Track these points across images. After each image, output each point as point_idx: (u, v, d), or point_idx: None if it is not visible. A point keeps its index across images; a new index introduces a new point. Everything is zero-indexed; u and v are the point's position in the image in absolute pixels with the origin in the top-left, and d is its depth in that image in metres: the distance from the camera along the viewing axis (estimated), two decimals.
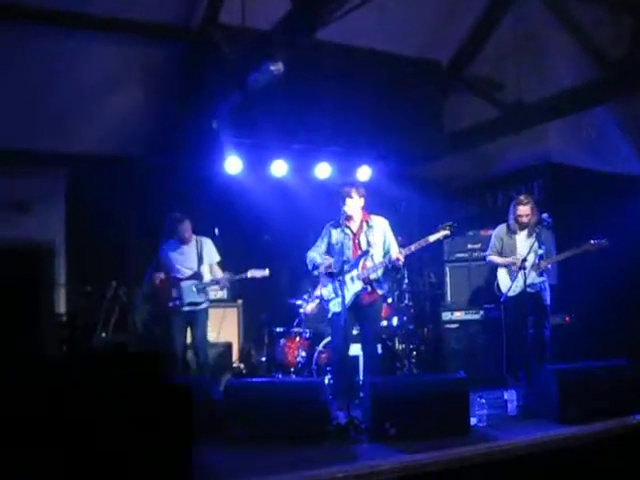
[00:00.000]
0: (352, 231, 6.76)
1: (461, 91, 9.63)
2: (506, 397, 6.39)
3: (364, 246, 6.64)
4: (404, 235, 8.09)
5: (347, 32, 7.88)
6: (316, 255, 6.86)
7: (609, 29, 7.54)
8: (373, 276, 6.65)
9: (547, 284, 7.31)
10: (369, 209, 6.96)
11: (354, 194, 6.68)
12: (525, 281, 6.94)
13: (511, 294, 7.25)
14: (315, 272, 6.92)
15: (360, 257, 6.58)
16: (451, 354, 8.69)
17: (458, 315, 8.77)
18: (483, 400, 5.98)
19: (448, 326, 8.81)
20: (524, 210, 7.36)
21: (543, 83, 8.30)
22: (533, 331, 7.23)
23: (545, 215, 7.10)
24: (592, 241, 7.03)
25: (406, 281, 8.89)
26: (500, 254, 7.50)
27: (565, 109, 8.13)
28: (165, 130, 8.86)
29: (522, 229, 7.42)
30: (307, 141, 8.91)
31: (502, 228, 7.58)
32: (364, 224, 6.73)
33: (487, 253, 7.69)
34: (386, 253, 6.70)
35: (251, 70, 6.69)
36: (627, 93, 7.78)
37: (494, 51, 8.89)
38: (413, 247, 6.51)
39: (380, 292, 6.76)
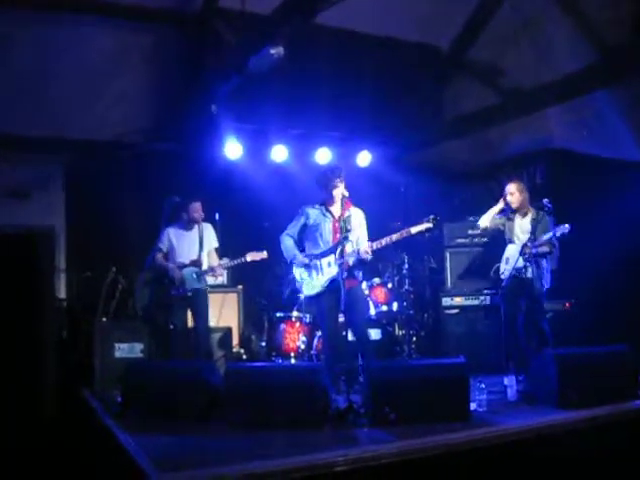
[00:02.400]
0: (333, 215, 6.75)
1: (461, 76, 9.60)
2: (506, 382, 6.40)
3: (344, 231, 6.57)
4: (403, 221, 8.08)
5: (347, 16, 7.85)
6: (297, 252, 6.84)
7: (609, 13, 7.50)
8: (351, 261, 6.61)
9: (543, 271, 7.22)
10: (368, 195, 6.96)
11: (342, 182, 6.69)
12: (516, 266, 7.03)
13: (502, 277, 7.34)
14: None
15: (339, 242, 6.50)
16: (451, 339, 8.70)
17: (458, 301, 8.78)
18: (483, 385, 5.99)
19: (448, 311, 8.82)
20: (508, 188, 7.42)
21: (543, 68, 8.27)
22: (531, 318, 7.25)
23: (546, 200, 7.10)
24: (556, 227, 6.99)
25: (406, 266, 8.89)
26: (505, 235, 7.54)
27: (566, 94, 8.11)
28: (164, 116, 8.85)
29: (515, 211, 7.43)
30: (307, 126, 8.91)
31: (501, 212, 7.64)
32: (345, 211, 6.71)
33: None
34: (357, 245, 6.70)
35: (251, 54, 6.68)
36: (628, 77, 7.74)
37: (494, 36, 8.83)
38: (394, 237, 6.53)
39: (356, 276, 6.72)
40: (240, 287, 9.35)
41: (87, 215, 9.08)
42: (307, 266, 6.75)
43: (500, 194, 7.59)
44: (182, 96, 8.53)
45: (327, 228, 6.73)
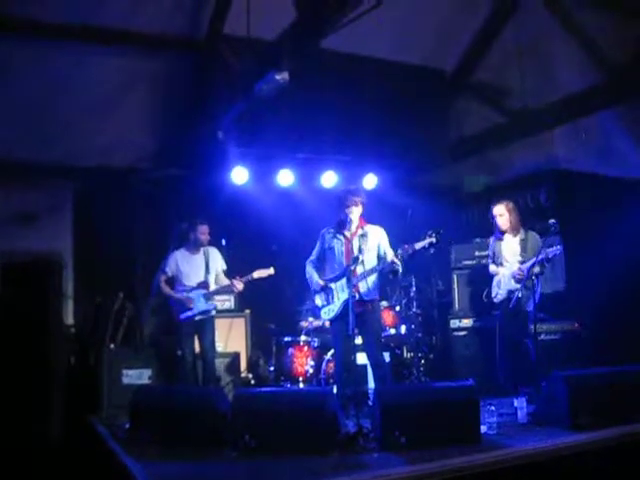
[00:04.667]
0: (345, 237, 6.74)
1: (466, 98, 9.64)
2: (516, 404, 6.34)
3: (356, 251, 6.58)
4: (410, 243, 8.05)
5: (352, 41, 7.90)
6: (315, 279, 6.85)
7: (613, 33, 7.53)
8: (362, 285, 6.59)
9: (534, 292, 7.04)
10: (375, 217, 6.95)
11: (360, 203, 6.68)
12: (509, 288, 7.04)
13: (496, 301, 7.34)
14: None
15: (350, 264, 6.49)
16: (460, 361, 8.66)
17: (466, 322, 8.75)
18: (493, 407, 5.94)
19: (456, 333, 8.79)
20: (497, 210, 7.36)
21: (548, 88, 8.29)
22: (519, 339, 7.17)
23: (552, 221, 7.07)
24: (548, 249, 6.91)
25: (414, 289, 8.87)
26: (494, 262, 7.50)
27: (571, 114, 8.13)
28: (171, 141, 8.89)
29: (503, 233, 7.39)
30: (313, 150, 8.93)
31: (492, 236, 7.60)
32: (358, 231, 6.71)
33: (489, 262, 7.67)
34: (380, 261, 6.66)
35: (257, 80, 6.70)
36: (632, 97, 7.76)
37: (499, 58, 8.89)
38: (400, 252, 6.52)
39: (367, 299, 6.66)
40: (248, 311, 9.34)
41: (95, 241, 9.09)
42: (325, 291, 6.74)
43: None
44: (189, 122, 8.56)
45: (340, 251, 6.72)
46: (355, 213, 6.64)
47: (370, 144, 8.99)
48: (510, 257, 7.28)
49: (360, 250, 6.54)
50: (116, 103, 8.36)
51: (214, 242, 8.08)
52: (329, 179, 9.49)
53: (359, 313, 6.41)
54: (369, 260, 6.62)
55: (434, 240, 6.51)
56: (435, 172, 10.28)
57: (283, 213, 9.26)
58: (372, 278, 6.62)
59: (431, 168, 10.17)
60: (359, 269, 6.54)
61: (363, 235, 6.65)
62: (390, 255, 6.60)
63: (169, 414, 5.91)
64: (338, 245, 6.72)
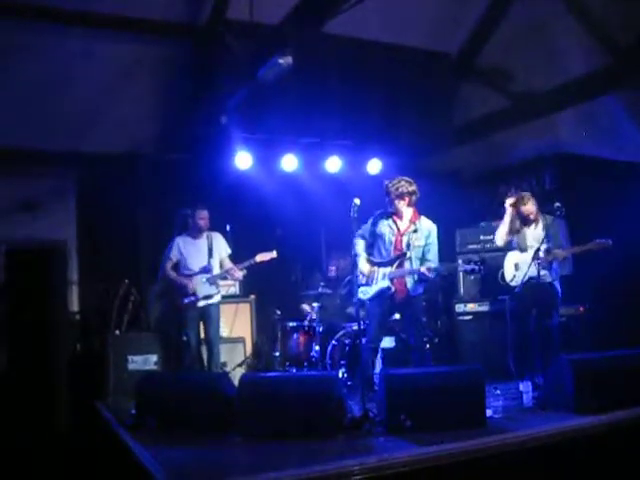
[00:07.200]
0: (398, 228, 6.81)
1: (471, 82, 9.59)
2: (521, 388, 6.35)
3: (404, 247, 6.71)
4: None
5: (356, 25, 7.86)
6: (364, 262, 6.94)
7: (619, 16, 7.48)
8: (408, 280, 6.75)
9: (556, 275, 7.19)
10: (380, 203, 6.95)
11: (401, 195, 6.76)
12: (530, 272, 6.94)
13: (513, 284, 7.27)
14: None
15: (397, 257, 6.70)
16: (465, 346, 8.68)
17: (471, 307, 8.76)
18: (498, 391, 5.97)
19: (461, 318, 8.80)
20: (530, 209, 7.27)
21: (553, 72, 8.25)
22: (543, 323, 7.17)
23: (557, 205, 7.05)
24: (597, 240, 6.93)
25: None
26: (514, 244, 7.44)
27: (575, 98, 8.09)
28: (175, 127, 8.87)
29: (529, 224, 7.35)
30: (317, 135, 8.88)
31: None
32: (411, 226, 6.77)
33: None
34: (423, 258, 6.74)
35: (260, 65, 6.68)
36: (637, 80, 7.71)
37: (503, 41, 8.83)
38: (445, 269, 6.83)
39: (413, 295, 6.81)
40: (253, 297, 9.33)
41: (99, 227, 9.10)
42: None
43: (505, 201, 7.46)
44: (192, 107, 8.54)
45: (389, 240, 6.83)
46: (399, 205, 6.77)
47: (374, 129, 8.95)
48: (535, 243, 7.15)
49: (408, 246, 6.70)
50: (118, 89, 8.33)
51: (218, 227, 8.07)
52: (333, 164, 9.45)
53: (403, 300, 6.75)
54: (415, 256, 6.76)
55: (476, 268, 6.68)
56: (440, 156, 10.24)
57: (287, 198, 9.24)
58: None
59: (435, 152, 10.12)
60: (407, 264, 6.72)
61: (415, 231, 6.77)
62: (431, 256, 6.76)
63: (175, 400, 5.93)
64: (389, 234, 6.84)
